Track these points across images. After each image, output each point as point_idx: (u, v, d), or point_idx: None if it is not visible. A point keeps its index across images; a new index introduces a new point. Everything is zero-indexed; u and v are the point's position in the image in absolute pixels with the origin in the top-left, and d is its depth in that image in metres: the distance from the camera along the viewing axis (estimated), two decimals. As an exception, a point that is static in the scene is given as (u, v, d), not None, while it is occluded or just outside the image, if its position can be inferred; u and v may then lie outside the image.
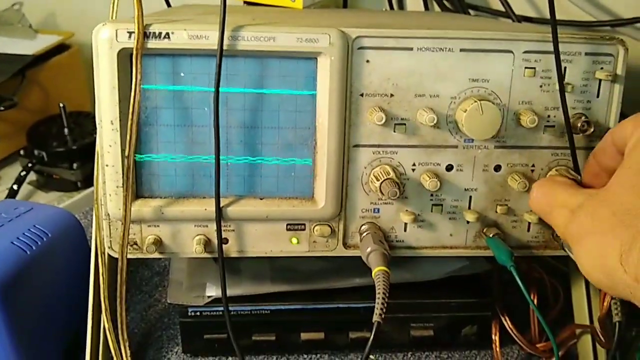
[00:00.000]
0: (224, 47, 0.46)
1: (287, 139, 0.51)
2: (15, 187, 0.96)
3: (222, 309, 0.56)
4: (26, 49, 1.08)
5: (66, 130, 1.01)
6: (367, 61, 0.49)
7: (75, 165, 0.98)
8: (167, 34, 0.46)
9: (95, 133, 1.00)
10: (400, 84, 0.50)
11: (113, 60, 0.47)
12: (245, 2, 0.86)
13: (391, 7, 0.96)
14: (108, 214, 0.51)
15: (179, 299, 0.58)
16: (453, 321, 0.61)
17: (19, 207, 0.58)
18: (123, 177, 0.48)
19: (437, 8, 0.92)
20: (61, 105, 1.00)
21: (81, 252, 0.59)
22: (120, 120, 0.48)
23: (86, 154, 0.99)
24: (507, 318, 0.60)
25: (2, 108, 0.98)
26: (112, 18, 0.54)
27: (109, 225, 0.51)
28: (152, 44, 0.47)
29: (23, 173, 0.97)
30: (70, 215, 0.60)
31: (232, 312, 0.57)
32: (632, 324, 0.61)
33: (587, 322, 0.58)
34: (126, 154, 0.48)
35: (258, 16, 0.58)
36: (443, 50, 0.49)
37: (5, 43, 1.11)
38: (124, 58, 0.47)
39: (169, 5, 0.87)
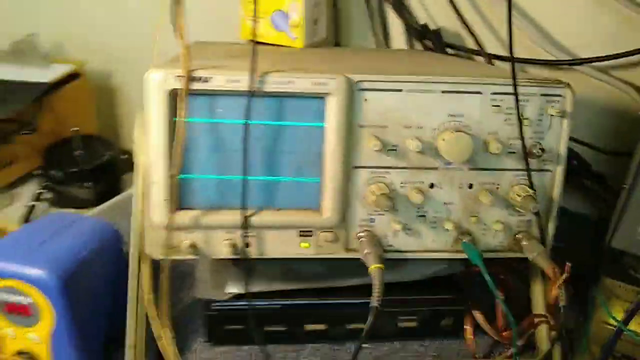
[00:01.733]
0: (254, 89, 0.58)
1: (300, 162, 0.61)
2: (33, 204, 1.05)
3: (241, 303, 0.67)
4: (41, 77, 1.15)
5: (79, 152, 1.09)
6: (365, 100, 0.60)
7: (88, 185, 1.06)
8: (208, 78, 0.57)
9: (106, 155, 1.10)
10: (392, 117, 0.61)
11: (162, 99, 0.57)
12: (249, 41, 0.96)
13: (378, 46, 1.07)
14: (152, 222, 0.61)
15: (205, 294, 0.68)
16: (433, 314, 0.71)
17: (66, 218, 0.68)
18: (168, 192, 0.59)
19: (418, 45, 1.04)
20: (75, 129, 1.09)
21: (119, 256, 0.69)
22: (166, 146, 0.58)
23: (98, 174, 1.07)
24: (477, 311, 0.71)
25: (23, 133, 1.06)
26: (154, 62, 0.65)
27: (153, 232, 0.62)
28: (195, 85, 0.57)
29: (40, 191, 1.05)
30: (109, 225, 0.70)
31: (248, 306, 0.67)
32: (580, 310, 0.72)
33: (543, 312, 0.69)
34: (172, 174, 0.58)
35: (273, 60, 0.69)
36: (427, 92, 0.61)
37: (22, 72, 1.18)
38: (171, 97, 0.58)
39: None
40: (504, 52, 0.97)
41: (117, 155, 1.12)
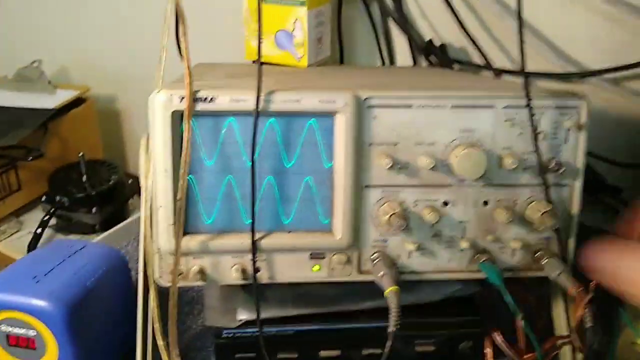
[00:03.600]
0: (259, 109, 0.56)
1: (310, 182, 0.60)
2: (39, 230, 1.03)
3: (252, 330, 0.65)
4: (47, 103, 1.16)
5: (85, 177, 1.08)
6: (375, 117, 0.59)
7: (94, 210, 1.05)
8: (213, 98, 0.56)
9: (111, 180, 1.10)
10: (403, 134, 0.59)
11: (167, 120, 0.56)
12: (253, 62, 0.95)
13: (383, 63, 1.06)
14: (159, 248, 0.59)
15: (215, 321, 0.66)
16: (451, 337, 0.69)
17: (73, 245, 0.66)
18: (174, 216, 0.57)
19: (423, 62, 1.03)
20: (81, 154, 1.08)
21: (126, 283, 0.68)
22: (172, 169, 0.57)
23: (104, 199, 1.06)
24: (497, 333, 0.69)
25: (30, 158, 1.06)
26: (159, 84, 0.63)
27: (160, 258, 0.60)
28: (200, 106, 0.56)
29: (46, 217, 1.04)
30: (117, 251, 0.68)
31: (260, 333, 0.65)
32: (605, 331, 0.69)
33: (567, 334, 0.66)
34: (178, 197, 0.57)
35: (278, 79, 0.68)
36: (437, 107, 0.59)
37: (28, 98, 1.19)
38: (176, 118, 0.56)
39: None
40: (510, 67, 0.96)
41: (123, 180, 1.11)
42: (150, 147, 0.58)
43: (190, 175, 0.58)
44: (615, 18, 0.88)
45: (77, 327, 0.58)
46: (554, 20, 0.92)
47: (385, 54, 1.07)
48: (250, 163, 0.57)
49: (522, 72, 0.60)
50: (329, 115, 0.58)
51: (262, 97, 0.56)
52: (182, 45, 0.57)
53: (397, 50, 1.06)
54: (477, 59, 0.97)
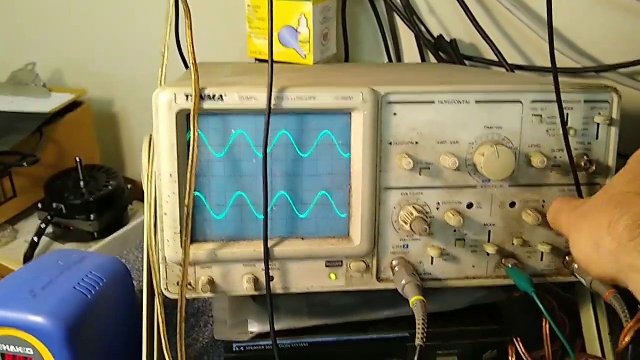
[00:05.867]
0: (271, 106, 0.52)
1: (325, 185, 0.56)
2: (35, 239, 1.00)
3: (264, 343, 0.61)
4: (42, 107, 1.13)
5: (82, 183, 1.05)
6: (395, 114, 0.55)
7: (92, 217, 1.02)
8: (221, 95, 0.52)
9: (110, 185, 1.06)
10: (424, 132, 0.56)
11: (172, 120, 0.52)
12: (257, 60, 0.92)
13: (390, 60, 1.03)
14: (165, 258, 0.55)
15: (224, 335, 0.62)
16: (475, 347, 0.65)
17: (72, 255, 0.63)
18: (181, 223, 0.53)
19: (432, 59, 0.99)
20: (77, 159, 1.04)
21: (130, 294, 0.64)
22: (178, 173, 0.53)
23: (102, 206, 1.03)
24: (520, 343, 0.65)
25: (25, 164, 1.02)
26: (161, 82, 0.60)
27: (166, 268, 0.56)
28: (207, 104, 0.52)
29: (43, 225, 1.01)
30: (119, 261, 0.64)
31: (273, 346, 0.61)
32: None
33: (598, 353, 0.62)
34: (185, 203, 0.53)
35: (289, 77, 0.64)
36: (461, 103, 0.56)
37: (22, 102, 1.16)
38: (181, 118, 0.53)
39: (186, 65, 0.93)
40: (523, 62, 0.93)
41: (122, 185, 1.08)
42: (152, 148, 0.54)
43: (197, 179, 0.54)
44: (630, 11, 0.85)
45: (77, 344, 0.54)
46: (568, 15, 0.89)
47: (392, 50, 1.03)
48: (263, 165, 0.53)
49: (552, 68, 0.57)
50: (346, 112, 0.55)
51: (273, 94, 0.52)
52: (188, 40, 0.53)
53: (403, 47, 1.03)
54: (487, 54, 0.94)
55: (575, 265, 0.59)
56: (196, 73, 0.52)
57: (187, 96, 0.52)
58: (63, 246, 1.03)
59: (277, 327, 0.62)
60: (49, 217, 1.01)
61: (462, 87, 0.56)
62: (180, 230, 0.54)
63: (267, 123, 0.52)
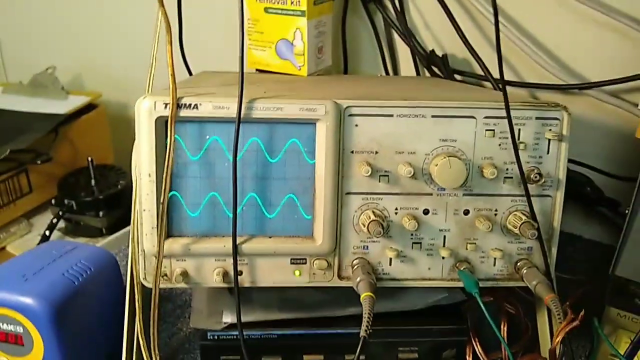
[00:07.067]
0: (242, 115, 0.58)
1: (292, 188, 0.61)
2: (47, 232, 1.06)
3: (236, 333, 0.66)
4: (59, 109, 1.19)
5: (93, 181, 1.11)
6: (356, 125, 0.60)
7: (101, 214, 1.08)
8: (196, 105, 0.58)
9: (119, 184, 1.12)
10: (383, 143, 0.60)
11: (151, 126, 0.58)
12: (257, 70, 0.97)
13: (387, 73, 1.07)
14: (144, 250, 0.61)
15: (200, 324, 0.67)
16: (435, 345, 0.69)
17: (65, 246, 0.68)
18: (157, 219, 0.59)
19: (427, 73, 1.03)
20: (89, 159, 1.10)
21: (116, 283, 0.69)
22: (156, 173, 0.59)
23: (111, 203, 1.09)
24: (477, 343, 0.69)
25: (39, 162, 1.09)
26: (148, 91, 0.65)
27: (144, 260, 0.62)
28: (183, 112, 0.58)
29: (54, 220, 1.07)
30: (108, 252, 0.70)
31: (244, 336, 0.66)
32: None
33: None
34: (161, 200, 0.59)
35: (268, 87, 0.70)
36: (417, 117, 0.60)
37: (40, 103, 1.22)
38: (160, 124, 0.58)
39: (190, 73, 0.99)
40: (515, 78, 0.96)
41: (131, 184, 1.13)
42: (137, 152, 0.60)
43: (174, 180, 0.60)
44: (617, 30, 0.87)
45: (63, 325, 0.60)
46: (555, 33, 0.93)
47: (389, 64, 1.08)
48: (233, 169, 0.58)
49: (500, 80, 0.61)
50: (312, 123, 0.59)
51: (244, 105, 0.58)
52: (168, 54, 0.58)
53: (401, 61, 1.07)
54: (479, 70, 0.97)
55: (524, 271, 0.63)
56: (174, 84, 0.57)
57: (165, 104, 0.57)
58: (73, 240, 1.08)
59: (249, 319, 0.67)
60: (60, 212, 1.07)
61: (419, 103, 0.60)
62: (157, 225, 0.59)
63: (237, 131, 0.57)
